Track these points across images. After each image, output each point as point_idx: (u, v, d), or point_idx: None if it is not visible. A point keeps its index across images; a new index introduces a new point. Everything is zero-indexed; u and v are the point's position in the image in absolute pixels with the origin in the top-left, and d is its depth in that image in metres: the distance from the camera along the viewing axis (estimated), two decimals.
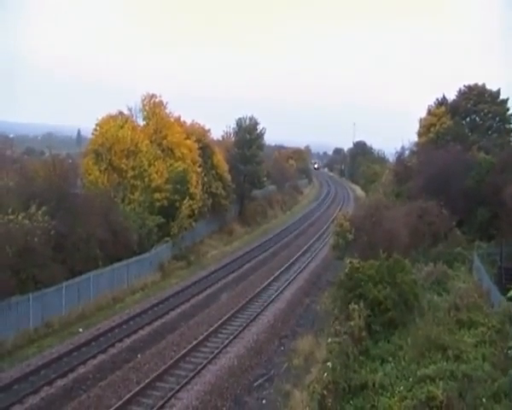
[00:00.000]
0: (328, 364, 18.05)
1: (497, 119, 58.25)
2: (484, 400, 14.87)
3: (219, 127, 65.36)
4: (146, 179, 39.38)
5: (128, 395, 18.74)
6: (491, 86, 58.81)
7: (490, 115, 58.30)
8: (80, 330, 26.08)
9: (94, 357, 22.41)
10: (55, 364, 21.53)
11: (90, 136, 42.30)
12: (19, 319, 24.44)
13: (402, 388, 16.67)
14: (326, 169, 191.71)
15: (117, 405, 18.05)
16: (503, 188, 35.12)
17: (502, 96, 58.30)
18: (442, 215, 37.46)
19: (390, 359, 19.42)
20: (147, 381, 19.97)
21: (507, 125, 58.21)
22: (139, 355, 23.15)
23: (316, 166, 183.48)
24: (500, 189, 35.91)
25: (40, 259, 25.89)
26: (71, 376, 20.57)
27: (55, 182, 31.14)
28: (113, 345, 23.94)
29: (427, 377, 16.65)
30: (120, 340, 24.60)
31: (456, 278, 29.98)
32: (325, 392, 16.10)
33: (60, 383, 19.95)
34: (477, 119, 59.17)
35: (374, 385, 17.30)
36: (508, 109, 57.90)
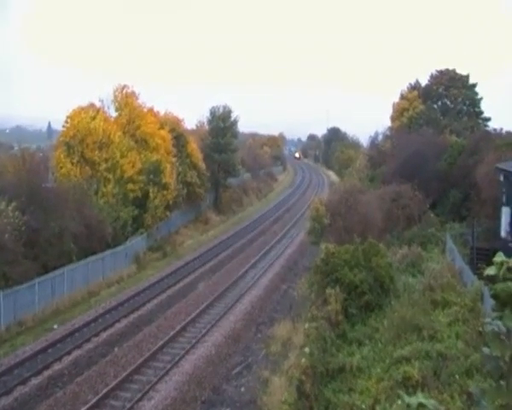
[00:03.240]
0: (306, 349, 18.09)
1: (467, 102, 59.24)
2: (457, 376, 15.13)
3: (192, 116, 64.83)
4: (118, 171, 38.89)
5: (105, 390, 18.54)
6: (462, 71, 59.78)
7: (460, 99, 59.25)
8: (55, 326, 25.67)
9: (69, 353, 22.11)
10: (28, 362, 21.15)
11: (61, 128, 41.53)
12: None
13: (379, 369, 16.87)
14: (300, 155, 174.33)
15: (94, 400, 17.85)
16: (474, 170, 35.65)
17: (471, 81, 59.28)
18: (416, 198, 37.87)
19: (367, 341, 19.59)
20: (124, 374, 19.79)
21: (476, 109, 59.25)
22: (116, 349, 22.92)
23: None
24: (471, 170, 36.44)
25: (11, 256, 25.38)
26: (46, 373, 20.26)
27: (25, 176, 30.50)
28: (89, 340, 23.65)
29: (403, 358, 16.86)
30: (96, 334, 24.31)
31: (429, 259, 30.34)
32: (303, 377, 16.13)
33: (34, 381, 19.63)
34: (448, 103, 60.04)
35: (351, 368, 17.46)
36: (477, 94, 58.92)
